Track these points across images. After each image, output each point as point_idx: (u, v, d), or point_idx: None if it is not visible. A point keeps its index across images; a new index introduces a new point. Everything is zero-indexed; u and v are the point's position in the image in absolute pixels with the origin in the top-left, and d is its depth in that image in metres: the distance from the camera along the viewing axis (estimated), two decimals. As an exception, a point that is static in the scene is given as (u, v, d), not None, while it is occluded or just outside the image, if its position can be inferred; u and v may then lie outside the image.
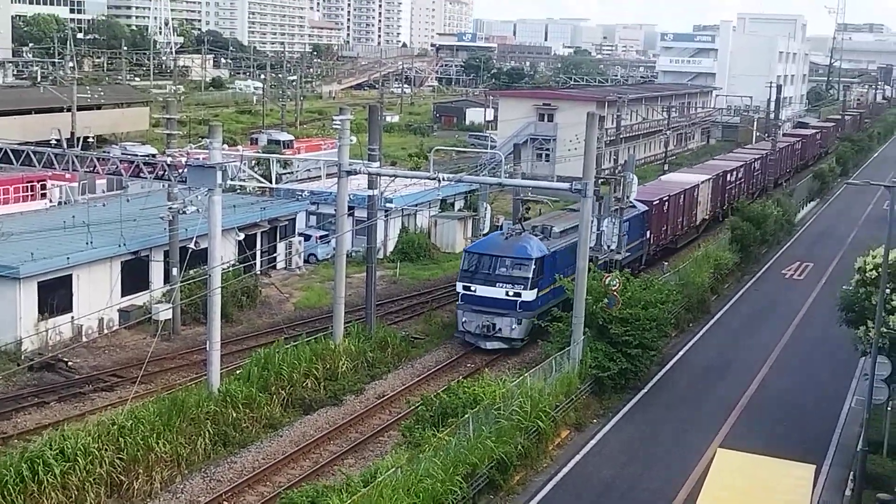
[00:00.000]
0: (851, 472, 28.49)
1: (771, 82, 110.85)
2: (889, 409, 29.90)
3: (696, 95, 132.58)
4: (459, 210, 63.69)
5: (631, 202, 46.40)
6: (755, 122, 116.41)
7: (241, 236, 45.23)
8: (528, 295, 38.98)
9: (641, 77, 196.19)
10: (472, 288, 39.74)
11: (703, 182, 66.24)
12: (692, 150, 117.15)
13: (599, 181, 43.17)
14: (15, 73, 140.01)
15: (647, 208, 52.28)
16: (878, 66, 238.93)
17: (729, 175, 72.69)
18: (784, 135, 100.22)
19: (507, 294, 39.05)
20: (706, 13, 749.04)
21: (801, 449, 29.08)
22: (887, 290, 29.80)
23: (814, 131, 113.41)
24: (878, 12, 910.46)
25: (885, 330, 29.25)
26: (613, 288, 36.12)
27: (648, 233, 53.46)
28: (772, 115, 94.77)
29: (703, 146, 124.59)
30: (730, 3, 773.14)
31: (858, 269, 34.05)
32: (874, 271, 32.14)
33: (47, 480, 24.48)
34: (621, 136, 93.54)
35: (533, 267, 39.11)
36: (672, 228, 58.88)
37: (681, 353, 41.66)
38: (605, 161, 75.36)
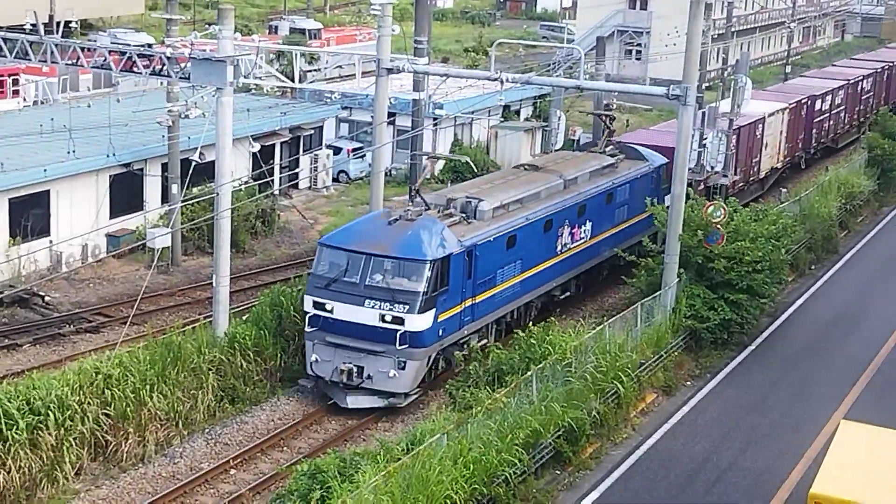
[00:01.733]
0: None
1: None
2: None
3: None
4: (526, 119, 63.29)
5: (638, 151, 42.98)
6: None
7: (257, 147, 45.19)
8: (418, 322, 28.43)
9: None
10: (329, 307, 29.23)
11: (771, 115, 55.84)
12: (822, 49, 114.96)
13: (704, 86, 42.61)
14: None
15: (666, 160, 41.76)
16: None
17: (819, 102, 62.21)
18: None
19: (381, 319, 28.59)
20: None
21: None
22: None
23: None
24: None
25: None
26: (717, 220, 35.81)
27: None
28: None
29: (836, 43, 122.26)
30: None
31: None
32: None
33: (12, 436, 24.53)
34: (733, 30, 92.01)
35: (427, 274, 28.62)
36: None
37: (799, 301, 41.42)
38: (712, 61, 74.31)
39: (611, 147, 41.97)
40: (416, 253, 28.99)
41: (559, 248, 35.86)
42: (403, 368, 28.31)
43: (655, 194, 40.85)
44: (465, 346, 31.03)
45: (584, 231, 37.47)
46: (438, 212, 32.21)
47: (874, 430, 23.75)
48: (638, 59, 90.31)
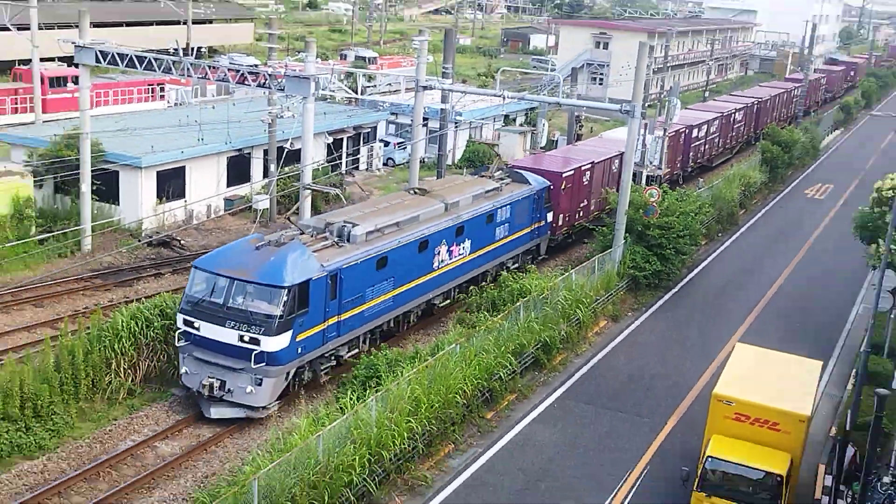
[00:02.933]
0: (854, 370, 28.33)
1: (807, 20, 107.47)
2: (892, 316, 29.57)
3: (738, 30, 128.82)
4: (521, 125, 63.05)
5: (523, 176, 36.22)
6: (790, 57, 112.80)
7: (330, 139, 45.59)
8: (274, 343, 22.87)
9: (689, 12, 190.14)
10: (196, 325, 23.65)
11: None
12: (731, 80, 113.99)
13: (646, 104, 42.31)
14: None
15: (548, 183, 36.67)
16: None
17: (695, 131, 55.39)
18: (815, 69, 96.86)
19: (240, 339, 23.12)
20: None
21: (811, 347, 28.98)
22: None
23: (842, 68, 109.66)
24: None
25: (893, 247, 28.82)
26: (653, 199, 35.82)
27: (551, 214, 37.68)
28: (807, 51, 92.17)
29: (741, 76, 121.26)
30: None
31: (876, 189, 33.80)
32: (890, 191, 32.12)
33: (151, 335, 24.86)
34: (668, 65, 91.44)
35: (284, 298, 22.86)
36: (588, 206, 41.58)
37: (709, 259, 41.37)
38: (653, 86, 73.68)
39: (500, 172, 35.56)
40: (273, 279, 23.19)
41: (436, 264, 29.74)
42: (260, 385, 23.02)
43: (538, 214, 36.06)
44: (334, 356, 25.91)
45: (463, 248, 31.17)
46: (312, 236, 26.11)
47: (759, 350, 23.82)
48: (600, 84, 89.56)
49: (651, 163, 42.47)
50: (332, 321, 24.79)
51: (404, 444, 21.12)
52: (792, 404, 20.29)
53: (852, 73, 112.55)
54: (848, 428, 22.94)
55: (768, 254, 42.92)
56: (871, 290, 33.67)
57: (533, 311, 28.74)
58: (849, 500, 20.64)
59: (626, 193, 35.06)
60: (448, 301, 32.09)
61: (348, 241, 26.02)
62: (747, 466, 19.39)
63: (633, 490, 21.86)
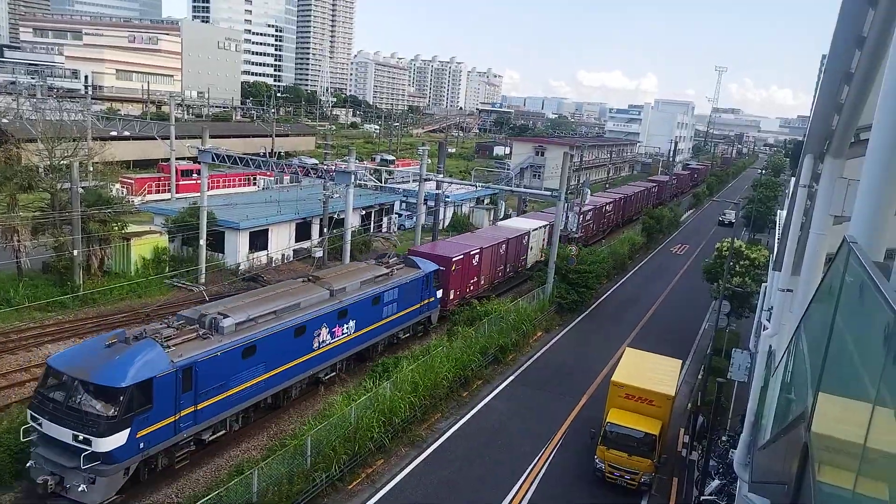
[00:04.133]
0: (703, 366, 28.24)
1: (671, 140, 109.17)
2: (727, 330, 29.65)
3: (627, 145, 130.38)
4: (487, 204, 63.32)
5: (415, 261, 29.22)
6: (661, 162, 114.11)
7: (363, 212, 45.62)
8: (106, 443, 15.53)
9: (596, 133, 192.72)
10: (40, 421, 16.14)
11: (535, 230, 41.72)
12: (622, 177, 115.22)
13: (568, 191, 42.64)
14: (241, 114, 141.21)
15: (438, 267, 29.97)
16: (735, 133, 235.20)
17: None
18: (675, 172, 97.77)
19: (74, 439, 15.66)
20: (637, 95, 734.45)
21: (675, 350, 28.88)
22: (731, 263, 29.68)
23: (691, 171, 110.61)
24: (738, 100, 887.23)
25: (728, 285, 29.06)
26: (573, 253, 35.91)
27: (442, 291, 30.61)
28: (671, 159, 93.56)
29: (629, 174, 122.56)
30: (651, 91, 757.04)
31: (717, 248, 34.18)
32: (725, 251, 32.35)
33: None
34: (582, 166, 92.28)
35: (120, 399, 15.64)
36: (479, 282, 34.69)
37: (609, 292, 41.30)
38: (573, 180, 74.20)
39: (396, 259, 29.04)
40: (109, 380, 15.70)
41: (316, 345, 22.06)
42: (94, 483, 15.49)
43: (427, 292, 29.06)
44: (194, 441, 18.07)
45: (347, 328, 23.64)
46: (179, 329, 18.02)
47: (641, 352, 23.73)
48: (539, 178, 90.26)
49: (571, 229, 42.69)
50: (187, 412, 17.29)
51: (407, 412, 20.88)
52: (662, 387, 20.19)
53: (700, 174, 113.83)
54: (699, 404, 22.82)
55: (646, 289, 42.93)
56: (713, 313, 33.75)
57: (494, 325, 28.64)
58: (699, 451, 20.45)
59: (555, 249, 35.14)
60: (333, 374, 24.19)
61: (216, 332, 18.43)
62: (633, 429, 19.23)
63: (560, 442, 21.60)
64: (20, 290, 28.83)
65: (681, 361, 23.41)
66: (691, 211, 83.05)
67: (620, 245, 48.72)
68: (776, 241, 22.65)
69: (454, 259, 31.66)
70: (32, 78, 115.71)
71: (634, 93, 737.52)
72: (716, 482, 18.26)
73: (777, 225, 27.45)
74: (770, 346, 12.21)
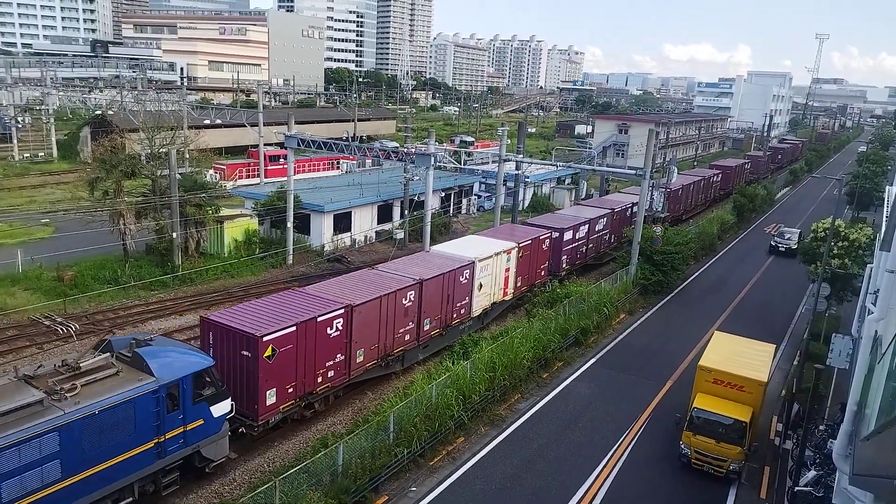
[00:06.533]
0: (798, 351, 26.77)
1: (766, 114, 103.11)
2: (826, 314, 27.92)
3: (717, 120, 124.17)
4: (568, 184, 62.19)
5: (146, 364, 14.70)
6: (753, 138, 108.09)
7: (443, 194, 45.81)
8: None
9: (683, 109, 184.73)
10: None
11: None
12: (712, 154, 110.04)
13: (654, 170, 41.03)
14: (325, 100, 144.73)
15: (211, 363, 16.20)
16: (838, 105, 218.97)
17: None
18: (770, 147, 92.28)
19: None
20: (727, 68, 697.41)
21: (768, 335, 27.49)
22: (831, 244, 27.92)
23: (790, 145, 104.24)
24: (840, 69, 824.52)
25: (828, 267, 27.30)
26: (658, 234, 34.72)
27: (228, 402, 16.66)
28: (765, 134, 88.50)
29: (720, 151, 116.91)
30: (744, 63, 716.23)
31: (813, 230, 32.21)
32: (823, 232, 30.49)
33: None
34: (668, 144, 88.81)
35: None
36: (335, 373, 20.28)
37: (696, 274, 39.72)
38: (658, 158, 71.60)
39: (100, 359, 14.65)
40: None
41: None
42: None
43: (157, 421, 14.69)
44: None
45: None
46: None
47: (731, 335, 22.74)
48: (622, 157, 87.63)
49: (657, 209, 41.22)
50: None
51: (486, 392, 20.96)
52: (753, 373, 19.30)
53: (797, 149, 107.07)
54: (794, 391, 21.67)
55: (737, 270, 40.98)
56: (810, 297, 31.86)
57: (574, 307, 28.20)
58: (794, 440, 19.44)
59: (639, 230, 34.10)
60: None
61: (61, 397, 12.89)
62: (722, 415, 18.53)
63: (643, 427, 21.11)
64: (126, 270, 30.92)
65: (774, 346, 22.24)
66: (787, 188, 78.42)
67: (709, 224, 46.67)
68: (884, 218, 21.01)
69: (266, 339, 17.50)
70: (134, 71, 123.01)
71: (725, 66, 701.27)
72: (812, 473, 17.32)
73: (885, 202, 25.39)
74: (876, 332, 11.37)
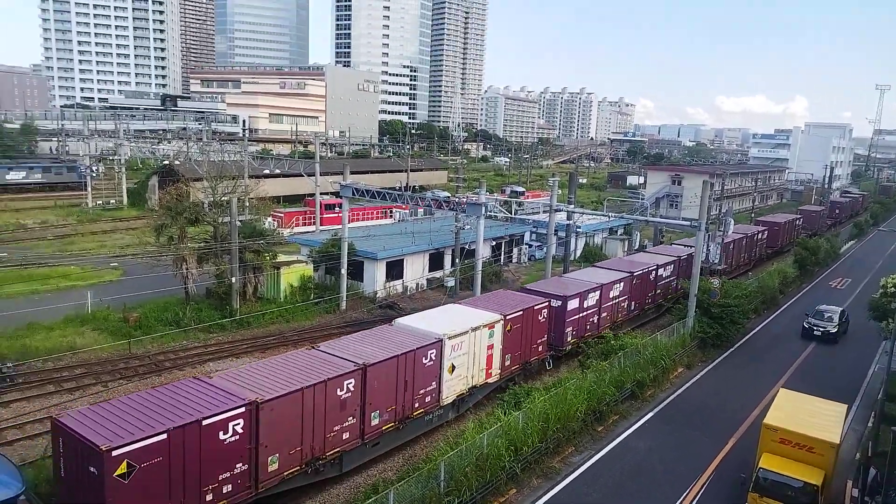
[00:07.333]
0: (873, 412, 25.29)
1: (826, 165, 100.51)
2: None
3: (774, 172, 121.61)
4: (620, 235, 61.54)
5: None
6: (814, 190, 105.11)
7: (493, 243, 45.94)
8: None
9: (739, 160, 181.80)
10: None
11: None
12: (769, 206, 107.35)
13: (709, 221, 40.30)
14: (379, 151, 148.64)
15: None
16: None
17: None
18: (829, 200, 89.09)
19: None
20: (783, 120, 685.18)
21: (839, 395, 26.13)
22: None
23: (849, 199, 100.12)
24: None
25: (901, 323, 26.00)
26: (716, 286, 33.84)
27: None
28: (826, 186, 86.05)
29: (778, 203, 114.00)
30: (800, 114, 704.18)
31: (882, 284, 30.92)
32: (893, 287, 29.22)
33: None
34: (724, 195, 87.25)
35: None
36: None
37: (758, 328, 38.33)
38: (715, 209, 70.29)
39: None
40: None
41: None
42: None
43: None
44: None
45: None
46: None
47: (798, 394, 21.74)
48: (675, 208, 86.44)
49: (713, 260, 40.25)
50: None
51: (538, 443, 20.52)
52: (824, 433, 18.35)
53: (860, 202, 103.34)
54: (870, 454, 20.42)
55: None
56: (884, 354, 30.25)
57: (629, 359, 27.55)
58: (872, 508, 18.20)
59: (695, 283, 33.33)
60: None
61: None
62: (792, 478, 17.61)
63: (704, 487, 20.18)
64: (187, 313, 31.94)
65: (846, 406, 21.13)
66: (852, 242, 75.57)
67: (770, 277, 45.21)
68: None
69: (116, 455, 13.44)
70: (199, 124, 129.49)
71: (781, 117, 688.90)
72: (893, 544, 16.15)
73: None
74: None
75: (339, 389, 17.91)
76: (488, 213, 35.90)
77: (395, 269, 41.00)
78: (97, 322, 30.74)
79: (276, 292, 36.09)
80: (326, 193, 60.24)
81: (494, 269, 45.91)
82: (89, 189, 66.62)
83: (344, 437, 18.41)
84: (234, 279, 32.84)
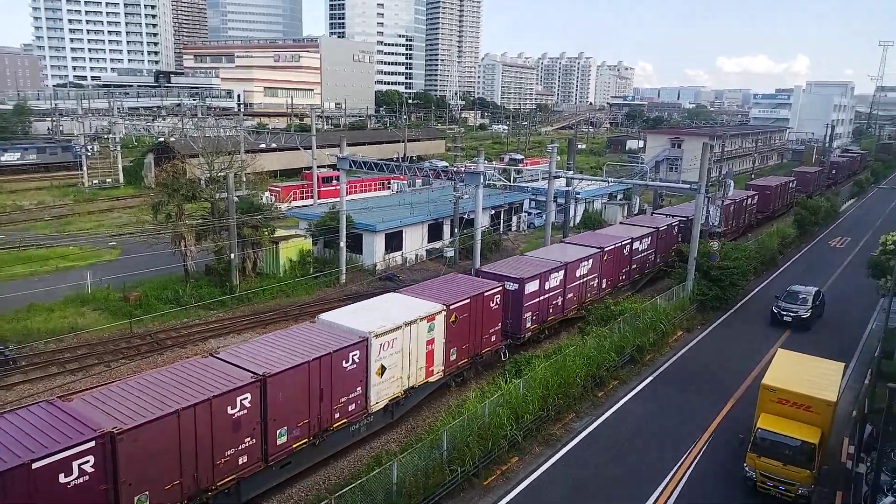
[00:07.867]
0: (869, 370, 25.42)
1: (827, 124, 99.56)
2: (899, 331, 26.47)
3: (775, 132, 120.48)
4: (620, 200, 61.28)
5: None
6: (814, 149, 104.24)
7: (492, 212, 45.78)
8: None
9: (739, 121, 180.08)
10: None
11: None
12: (770, 167, 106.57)
13: (709, 184, 39.99)
14: (376, 122, 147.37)
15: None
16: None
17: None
18: (832, 159, 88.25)
19: None
20: (784, 79, 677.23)
21: (836, 353, 26.28)
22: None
23: (848, 158, 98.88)
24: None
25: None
26: (715, 249, 33.77)
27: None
28: (827, 144, 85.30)
29: (779, 164, 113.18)
30: (802, 73, 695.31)
31: (882, 242, 30.75)
32: (892, 244, 29.13)
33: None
34: (724, 157, 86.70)
35: None
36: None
37: (756, 289, 38.38)
38: (715, 171, 69.90)
39: None
40: None
41: None
42: None
43: None
44: None
45: None
46: None
47: (796, 354, 21.83)
48: (675, 171, 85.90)
49: (713, 223, 40.06)
50: None
51: (540, 411, 20.68)
52: (821, 392, 18.44)
53: (859, 161, 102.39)
54: (866, 411, 20.60)
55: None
56: (882, 311, 30.31)
57: (629, 324, 27.62)
58: (868, 464, 18.41)
59: (695, 246, 33.30)
60: None
61: None
62: (789, 437, 17.76)
63: (704, 447, 20.40)
64: (187, 290, 31.99)
65: (843, 364, 21.22)
66: (852, 200, 75.24)
67: (769, 239, 45.12)
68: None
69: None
70: (194, 100, 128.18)
71: (782, 76, 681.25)
72: (889, 499, 16.35)
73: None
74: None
75: (230, 407, 14.82)
76: (487, 181, 35.68)
77: (394, 241, 40.93)
78: (97, 302, 30.81)
79: (276, 267, 36.10)
80: (324, 166, 59.85)
81: (494, 238, 45.81)
82: (85, 169, 66.28)
83: (240, 463, 15.35)
84: (232, 255, 32.81)
